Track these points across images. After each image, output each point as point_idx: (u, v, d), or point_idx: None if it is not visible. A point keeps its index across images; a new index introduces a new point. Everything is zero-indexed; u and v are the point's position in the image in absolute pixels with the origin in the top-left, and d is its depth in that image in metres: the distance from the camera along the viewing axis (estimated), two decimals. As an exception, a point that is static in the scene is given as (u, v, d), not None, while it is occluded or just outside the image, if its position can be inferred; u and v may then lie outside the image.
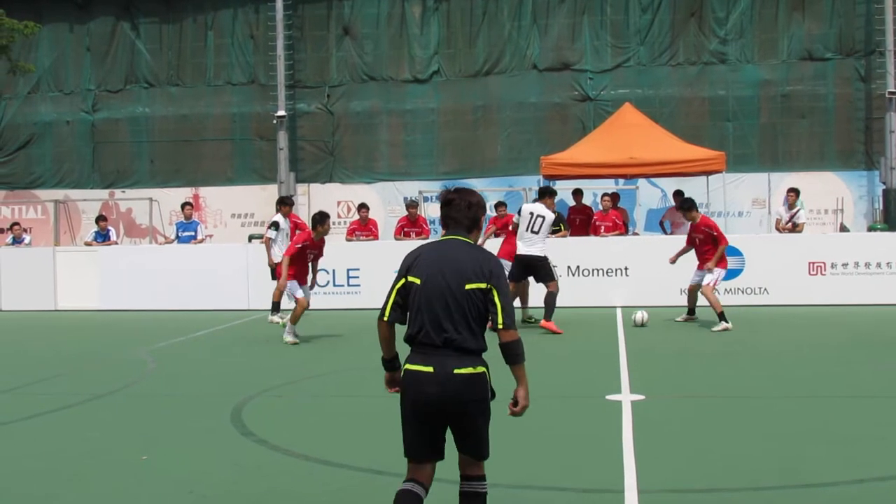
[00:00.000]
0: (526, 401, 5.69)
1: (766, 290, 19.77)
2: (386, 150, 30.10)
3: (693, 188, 24.08)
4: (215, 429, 9.65)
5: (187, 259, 21.92)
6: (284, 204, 19.37)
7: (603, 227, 21.14)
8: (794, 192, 21.29)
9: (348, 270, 20.90)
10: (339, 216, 29.16)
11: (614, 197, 22.94)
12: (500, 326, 5.54)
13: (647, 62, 29.98)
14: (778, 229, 21.27)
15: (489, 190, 27.96)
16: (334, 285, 21.03)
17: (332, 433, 9.50)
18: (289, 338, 15.72)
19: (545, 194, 17.23)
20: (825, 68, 29.74)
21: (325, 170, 30.25)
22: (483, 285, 5.55)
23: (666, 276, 19.18)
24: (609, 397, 10.65)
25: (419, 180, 29.27)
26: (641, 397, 10.60)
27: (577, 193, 23.22)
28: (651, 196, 28.14)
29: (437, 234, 23.70)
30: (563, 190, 24.26)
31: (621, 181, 25.96)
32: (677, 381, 11.96)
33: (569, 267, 20.27)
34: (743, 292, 19.80)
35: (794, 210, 21.17)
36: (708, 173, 23.44)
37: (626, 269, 20.19)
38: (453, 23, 30.26)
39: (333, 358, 14.63)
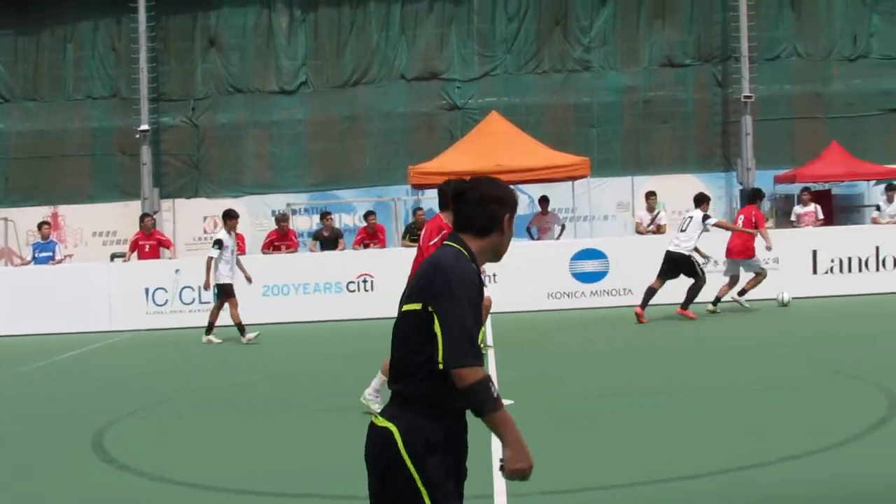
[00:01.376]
0: (515, 463, 4.36)
1: (629, 290, 20.17)
2: (253, 162, 29.74)
3: (559, 193, 24.58)
4: (75, 454, 9.50)
5: (45, 280, 21.22)
6: (230, 217, 18.17)
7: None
8: (652, 196, 21.84)
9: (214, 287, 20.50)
10: (205, 231, 28.72)
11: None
12: (440, 365, 4.13)
13: (514, 70, 30.34)
14: (639, 232, 21.78)
15: (358, 201, 28.05)
16: (200, 302, 20.60)
17: (197, 454, 9.44)
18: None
19: (702, 200, 18.74)
20: (685, 74, 30.50)
21: (190, 184, 29.68)
22: (417, 306, 4.24)
23: (534, 281, 19.48)
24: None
25: (287, 193, 28.94)
26: (511, 402, 10.72)
27: (449, 202, 23.34)
28: (519, 202, 28.42)
29: (305, 248, 23.63)
30: (433, 199, 24.44)
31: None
32: (546, 384, 12.14)
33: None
34: (608, 294, 20.20)
35: (655, 212, 21.73)
36: (573, 178, 23.84)
37: (493, 275, 20.38)
38: (321, 33, 30.17)
39: (199, 377, 14.50)
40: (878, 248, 20.13)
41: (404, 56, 30.14)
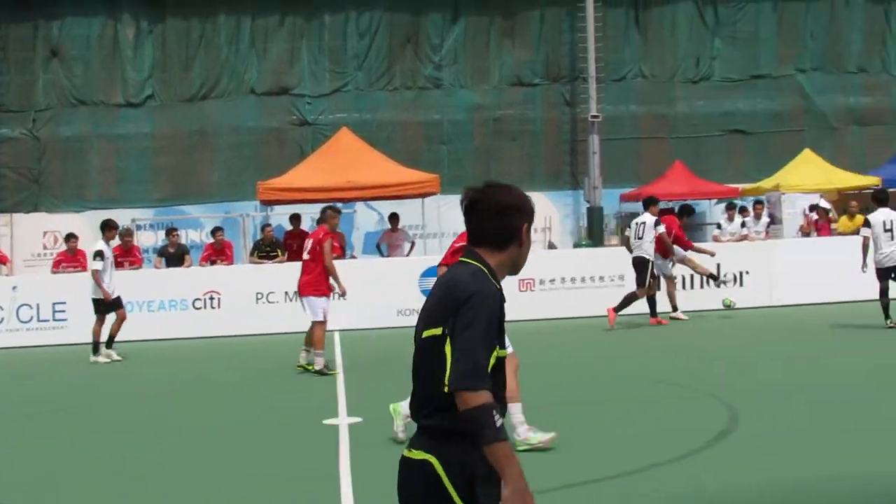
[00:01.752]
0: (516, 500, 3.84)
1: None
2: (97, 177, 28.92)
3: (409, 210, 24.59)
4: None
5: None
6: (110, 228, 17.46)
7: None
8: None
9: (54, 304, 19.90)
10: (44, 247, 27.86)
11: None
12: (446, 387, 3.86)
13: (365, 87, 30.34)
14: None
15: (206, 216, 27.60)
16: (38, 320, 19.96)
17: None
18: None
19: (649, 204, 18.93)
20: (534, 93, 30.98)
21: (29, 198, 28.65)
22: (437, 331, 3.96)
23: (383, 298, 19.45)
24: (326, 422, 10.66)
25: (132, 208, 28.23)
26: (359, 420, 10.66)
27: (295, 218, 23.19)
28: (368, 219, 28.39)
29: (150, 264, 23.07)
30: (282, 215, 24.26)
31: (339, 205, 26.05)
32: (396, 401, 12.06)
33: (286, 293, 20.16)
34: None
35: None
36: (423, 195, 23.91)
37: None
38: (168, 46, 29.63)
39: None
40: (719, 266, 20.68)
41: (254, 70, 29.86)
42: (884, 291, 16.32)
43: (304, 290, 14.52)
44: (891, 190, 25.06)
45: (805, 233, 24.21)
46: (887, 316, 16.19)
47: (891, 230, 16.05)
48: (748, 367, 13.61)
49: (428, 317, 4.02)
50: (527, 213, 4.11)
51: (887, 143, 30.51)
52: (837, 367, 13.40)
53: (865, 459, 8.24)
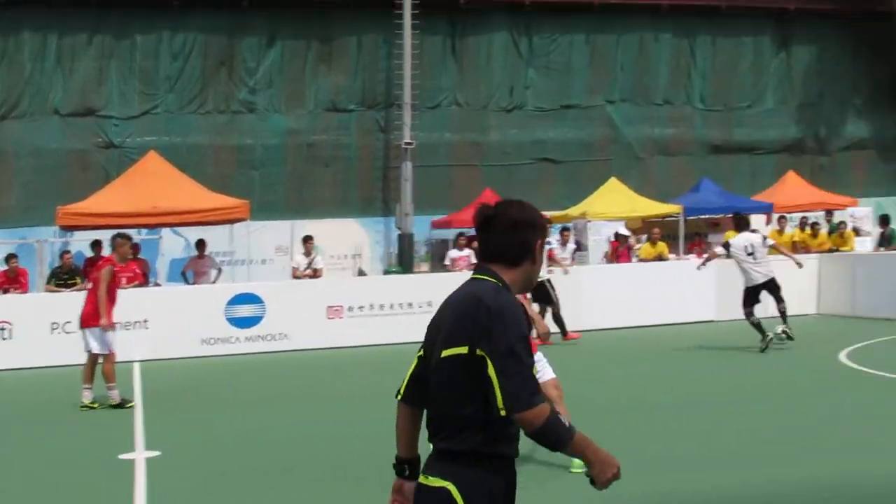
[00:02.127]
0: (607, 472, 3.75)
1: (285, 335, 19.97)
2: None
3: (217, 236, 24.11)
4: None
5: None
6: None
7: (124, 279, 20.50)
8: (308, 241, 21.81)
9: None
10: None
11: (135, 247, 22.39)
12: (502, 412, 3.71)
13: (176, 109, 29.78)
14: (296, 277, 21.66)
15: (0, 243, 26.48)
16: None
17: None
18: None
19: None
20: (349, 119, 30.96)
21: None
22: (462, 350, 3.81)
23: (188, 327, 18.97)
24: (122, 457, 10.26)
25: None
26: (157, 454, 10.30)
27: (96, 245, 22.42)
28: (175, 246, 27.74)
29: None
30: (83, 241, 23.45)
31: (144, 231, 25.42)
32: (197, 434, 11.74)
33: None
34: (262, 339, 19.91)
35: (312, 256, 21.71)
36: (232, 221, 23.48)
37: (145, 320, 19.60)
38: (-34, 61, 28.47)
39: None
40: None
41: (59, 89, 28.89)
42: (750, 313, 16.88)
43: (87, 321, 13.90)
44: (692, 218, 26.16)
45: (610, 259, 24.76)
46: (763, 333, 16.71)
47: (752, 253, 16.69)
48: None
49: (448, 336, 3.85)
50: (540, 229, 4.04)
51: (690, 173, 31.62)
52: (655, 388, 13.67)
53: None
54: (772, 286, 16.92)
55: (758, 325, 16.75)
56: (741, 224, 17.61)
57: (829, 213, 26.51)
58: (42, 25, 28.84)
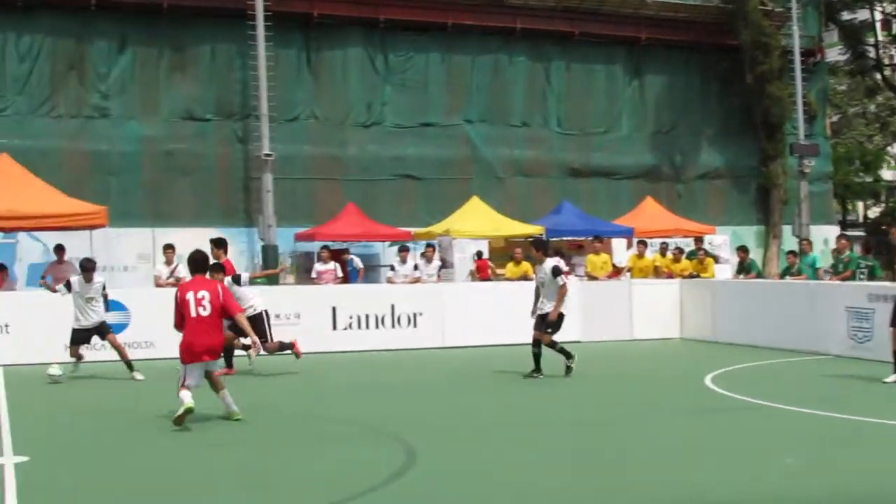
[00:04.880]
0: None
1: (151, 343, 19.65)
2: None
3: (76, 242, 23.53)
4: None
5: None
6: None
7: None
8: (170, 249, 21.43)
9: None
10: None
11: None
12: None
13: (27, 112, 29.02)
14: (159, 285, 21.33)
15: None
16: None
17: None
18: None
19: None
20: (205, 128, 30.68)
21: None
22: None
23: (48, 331, 18.47)
24: (-10, 461, 9.98)
25: None
26: (25, 458, 10.05)
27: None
28: (32, 250, 26.98)
29: None
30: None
31: (0, 234, 24.68)
32: (66, 439, 11.48)
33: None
34: (129, 346, 19.47)
35: (174, 265, 21.41)
36: (91, 227, 23.00)
37: (6, 326, 19.05)
38: None
39: None
40: (393, 306, 21.09)
41: None
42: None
43: None
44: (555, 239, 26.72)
45: (479, 277, 25.09)
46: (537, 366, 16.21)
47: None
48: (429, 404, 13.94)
49: None
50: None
51: (550, 195, 32.35)
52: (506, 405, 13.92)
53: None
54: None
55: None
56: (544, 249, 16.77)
57: (698, 239, 26.97)
58: None
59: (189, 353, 11.78)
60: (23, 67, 29.13)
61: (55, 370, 16.64)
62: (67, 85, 29.65)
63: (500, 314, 21.12)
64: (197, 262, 12.30)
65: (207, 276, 12.49)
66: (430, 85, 33.43)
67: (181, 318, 11.85)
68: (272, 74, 29.97)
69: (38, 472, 9.56)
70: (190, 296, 11.82)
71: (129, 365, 17.17)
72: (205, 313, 11.75)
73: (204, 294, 11.81)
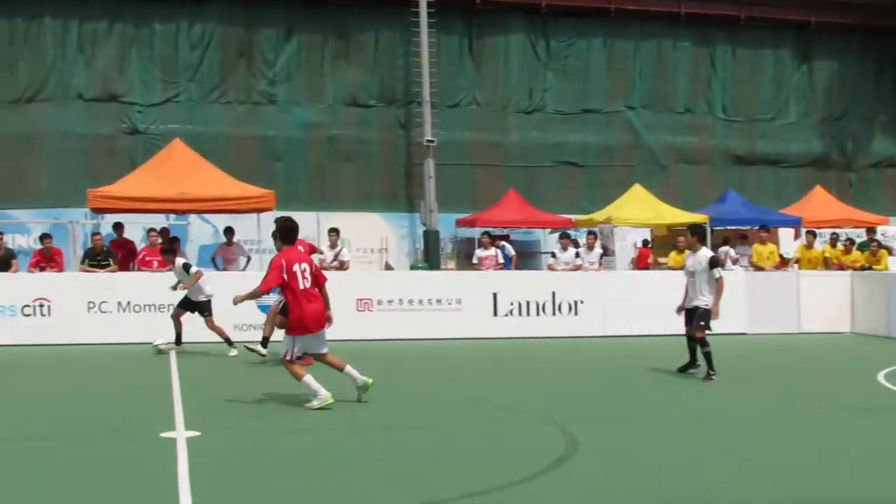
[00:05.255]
0: None
1: (316, 325, 20.03)
2: (-85, 176, 27.61)
3: (244, 225, 24.21)
4: None
5: None
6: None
7: (155, 263, 20.58)
8: (334, 233, 21.87)
9: None
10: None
11: (164, 232, 22.50)
12: None
13: (198, 99, 29.87)
14: (323, 268, 21.70)
15: (34, 222, 26.59)
16: None
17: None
18: None
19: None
20: (369, 115, 31.03)
21: None
22: None
23: (221, 312, 18.99)
24: (163, 435, 10.32)
25: (-45, 208, 27.11)
26: (197, 433, 10.36)
27: (118, 227, 22.62)
28: (202, 232, 27.86)
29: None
30: (110, 224, 23.58)
31: (172, 216, 25.54)
32: (233, 416, 11.79)
33: (119, 302, 19.53)
34: (294, 328, 19.96)
35: (338, 249, 21.76)
36: (258, 211, 23.58)
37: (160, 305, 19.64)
38: (-9, 46, 28.54)
39: None
40: (554, 294, 21.04)
41: (82, 75, 28.97)
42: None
43: None
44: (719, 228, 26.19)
45: (639, 266, 24.81)
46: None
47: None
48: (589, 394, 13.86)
49: None
50: None
51: (713, 183, 31.75)
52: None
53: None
54: None
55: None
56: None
57: (870, 230, 26.17)
58: (62, 12, 28.95)
59: (299, 324, 11.91)
60: (194, 55, 29.98)
61: (160, 342, 17.62)
62: (236, 72, 30.39)
63: (662, 303, 20.79)
64: (291, 230, 12.34)
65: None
66: (592, 71, 33.17)
67: (277, 283, 11.94)
68: (434, 61, 30.19)
69: (209, 446, 9.86)
70: (296, 268, 11.95)
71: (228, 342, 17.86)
72: (308, 284, 11.94)
73: (305, 266, 11.99)
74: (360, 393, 12.26)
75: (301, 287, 11.89)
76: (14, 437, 10.52)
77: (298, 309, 11.92)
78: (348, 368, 12.31)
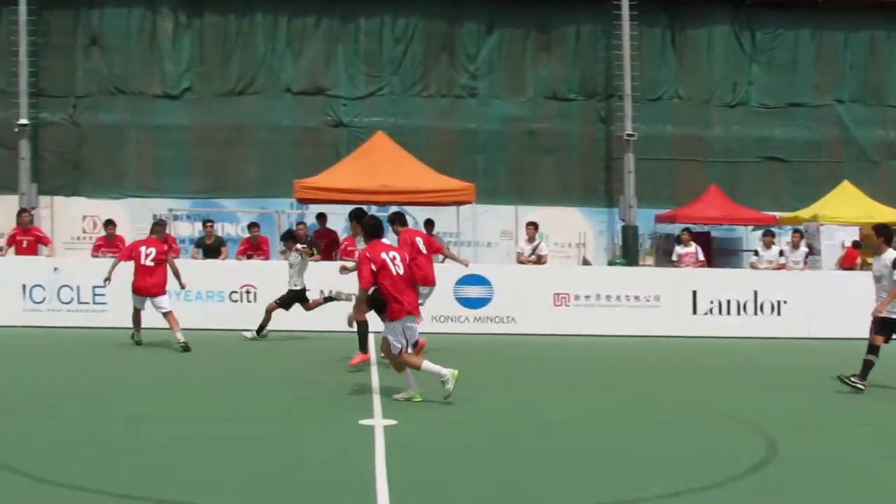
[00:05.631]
0: None
1: (513, 318, 20.20)
2: (135, 165, 28.87)
3: (444, 217, 24.53)
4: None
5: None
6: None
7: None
8: (532, 226, 21.94)
9: (94, 288, 19.69)
10: (83, 231, 27.94)
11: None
12: None
13: (400, 92, 30.29)
14: (521, 262, 21.82)
15: (241, 211, 27.58)
16: (79, 302, 19.98)
17: (71, 454, 9.03)
18: None
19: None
20: (569, 108, 30.86)
21: (69, 183, 28.66)
22: None
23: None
24: (361, 422, 10.57)
25: (170, 198, 28.29)
26: (394, 422, 10.57)
27: (321, 217, 23.25)
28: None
29: (187, 255, 23.07)
30: (313, 214, 24.29)
31: (374, 208, 26.04)
32: (431, 407, 11.96)
33: (321, 291, 20.08)
34: (491, 320, 20.17)
35: (536, 243, 21.82)
36: (458, 203, 23.84)
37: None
38: (206, 40, 29.62)
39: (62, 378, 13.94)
40: (756, 293, 20.56)
41: (290, 69, 29.83)
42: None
43: None
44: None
45: (844, 266, 23.95)
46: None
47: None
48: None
49: None
50: None
51: (928, 181, 30.39)
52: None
53: None
54: None
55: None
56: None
57: None
58: (273, 9, 29.81)
59: (397, 308, 11.93)
60: (398, 49, 30.46)
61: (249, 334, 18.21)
62: (438, 66, 30.70)
63: (871, 306, 20.02)
64: (376, 227, 12.50)
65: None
66: (799, 63, 32.12)
67: (371, 276, 11.92)
68: (636, 54, 29.83)
69: (404, 434, 10.07)
70: (384, 256, 12.00)
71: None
72: (400, 271, 12.01)
73: (395, 254, 12.13)
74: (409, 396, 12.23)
75: (394, 273, 12.02)
76: (229, 417, 10.99)
77: (393, 294, 12.01)
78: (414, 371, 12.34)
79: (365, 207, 25.34)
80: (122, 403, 11.86)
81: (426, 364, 12.02)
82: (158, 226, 18.52)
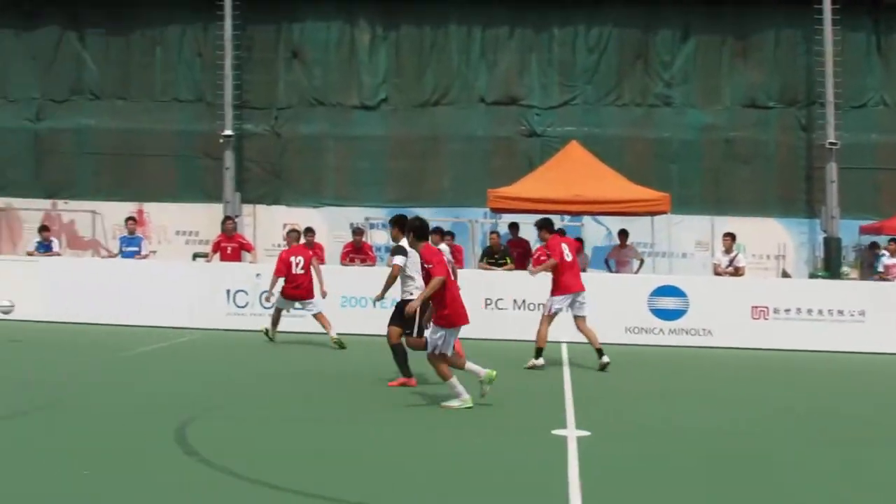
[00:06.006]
0: None
1: (709, 331, 19.84)
2: (333, 175, 29.69)
3: (638, 227, 24.29)
4: (157, 447, 9.43)
5: (130, 274, 21.65)
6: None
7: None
8: (729, 237, 21.49)
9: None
10: (284, 239, 28.73)
11: (562, 233, 22.93)
12: None
13: (594, 101, 30.14)
14: (717, 273, 21.40)
15: (436, 220, 27.86)
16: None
17: (279, 457, 9.27)
18: None
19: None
20: (767, 116, 30.12)
21: (270, 192, 29.75)
22: None
23: (611, 313, 19.16)
24: (554, 432, 10.55)
25: (366, 207, 29.05)
26: (587, 433, 10.51)
27: (513, 227, 23.31)
28: (596, 234, 28.19)
29: (382, 262, 23.47)
30: (505, 224, 24.40)
31: (566, 218, 26.03)
32: (624, 419, 11.87)
33: (514, 300, 20.16)
34: (686, 333, 19.85)
35: (733, 254, 21.36)
36: (653, 214, 23.56)
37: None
38: (402, 52, 30.18)
39: (280, 380, 14.37)
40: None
41: (484, 80, 30.07)
42: None
43: None
44: None
45: None
46: None
47: None
48: None
49: None
50: None
51: None
52: None
53: None
54: None
55: None
56: None
57: None
58: (467, 20, 30.11)
59: (456, 316, 11.75)
60: (591, 58, 30.32)
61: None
62: (633, 74, 30.43)
63: None
64: (422, 229, 12.36)
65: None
66: None
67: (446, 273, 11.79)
68: (838, 60, 28.90)
69: (599, 446, 9.99)
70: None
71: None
72: (453, 277, 11.97)
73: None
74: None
75: (453, 279, 12.03)
76: (430, 426, 11.11)
77: (452, 302, 11.85)
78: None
79: (557, 218, 25.65)
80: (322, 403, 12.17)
81: (453, 380, 11.99)
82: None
